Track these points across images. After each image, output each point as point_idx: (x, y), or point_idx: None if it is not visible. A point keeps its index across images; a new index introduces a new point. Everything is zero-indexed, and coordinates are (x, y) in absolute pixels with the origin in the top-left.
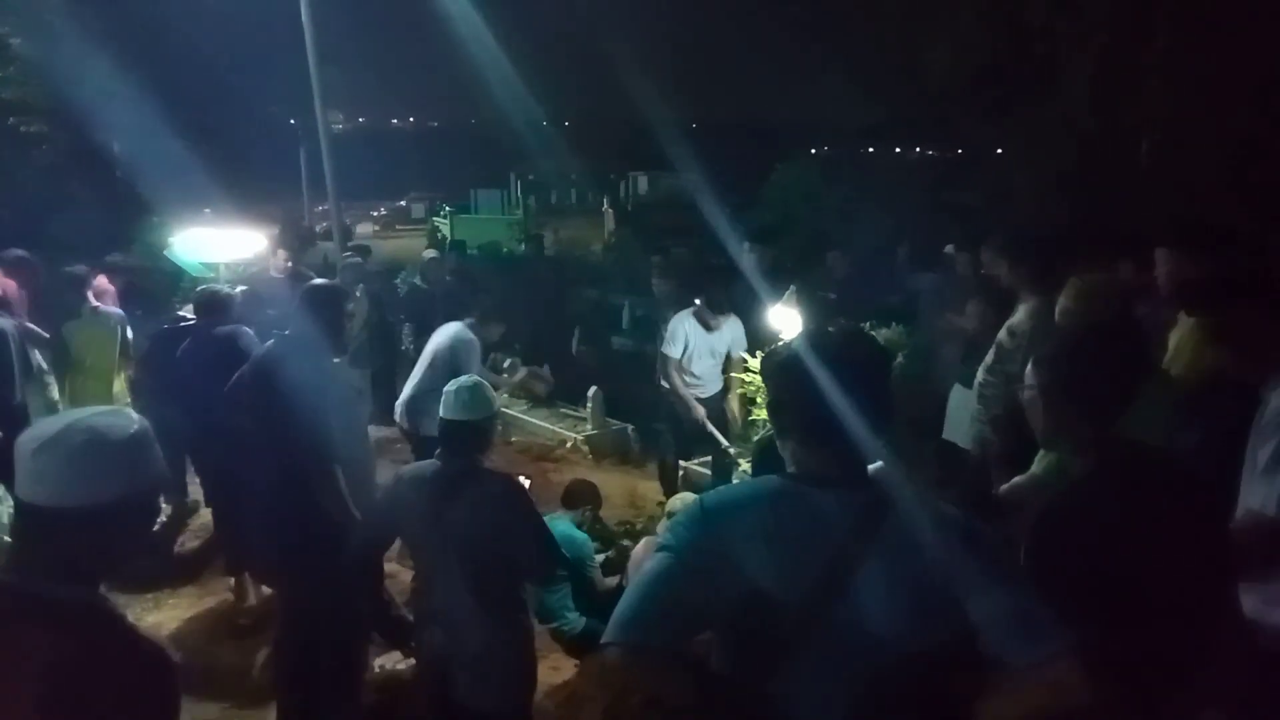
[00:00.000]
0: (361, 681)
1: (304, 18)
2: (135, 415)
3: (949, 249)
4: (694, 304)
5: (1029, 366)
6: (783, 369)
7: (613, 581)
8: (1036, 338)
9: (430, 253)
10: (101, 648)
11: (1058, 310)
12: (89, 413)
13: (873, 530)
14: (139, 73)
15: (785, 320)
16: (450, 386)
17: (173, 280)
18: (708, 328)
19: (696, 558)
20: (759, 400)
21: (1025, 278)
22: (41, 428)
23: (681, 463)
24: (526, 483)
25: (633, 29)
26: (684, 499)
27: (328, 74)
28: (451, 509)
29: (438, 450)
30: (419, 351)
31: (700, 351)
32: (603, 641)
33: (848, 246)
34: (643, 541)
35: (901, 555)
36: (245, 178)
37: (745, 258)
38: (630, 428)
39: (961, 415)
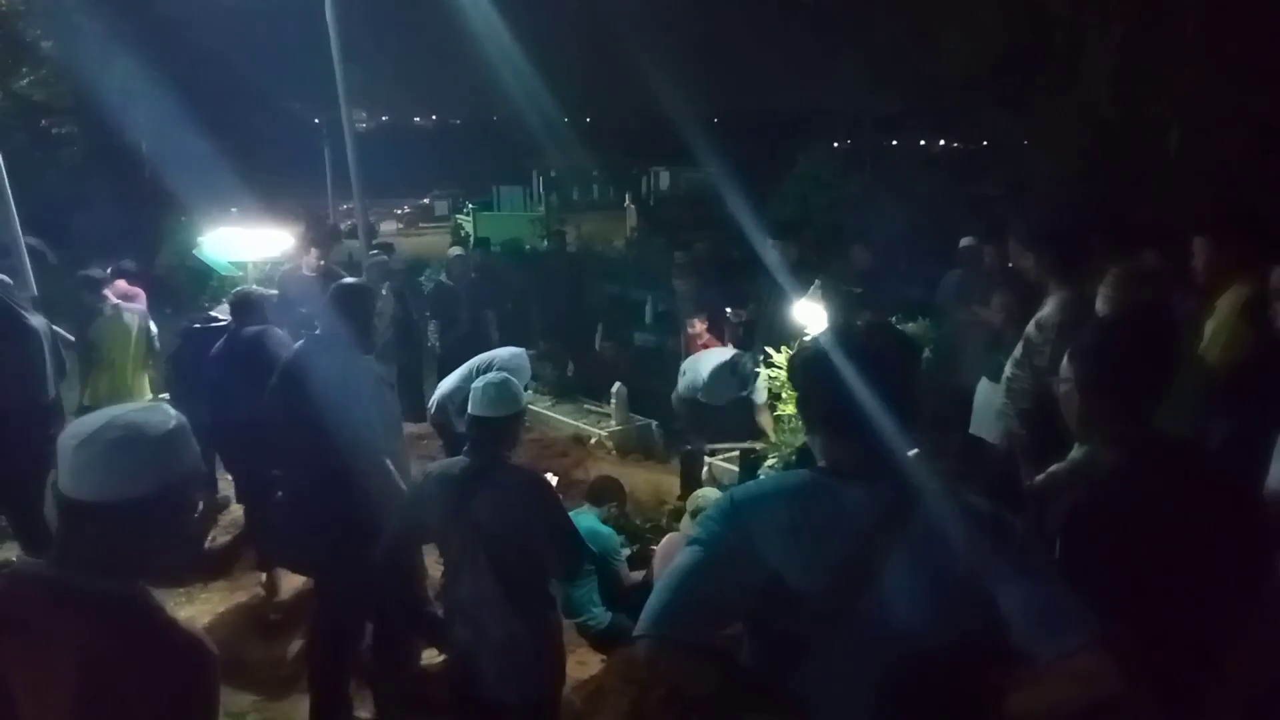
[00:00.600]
0: (398, 675)
1: (328, 15)
2: (172, 411)
3: (966, 241)
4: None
5: (1065, 359)
6: (811, 363)
7: (638, 576)
8: (1066, 330)
9: (455, 250)
10: (140, 640)
11: (1100, 299)
12: (128, 408)
13: (900, 522)
14: (163, 72)
15: (811, 314)
16: (478, 383)
17: (201, 279)
18: None
19: (726, 551)
20: (784, 395)
21: (1053, 270)
22: (82, 424)
23: (707, 458)
24: (553, 479)
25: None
26: (705, 495)
27: (350, 72)
28: (477, 504)
29: (465, 446)
30: (445, 348)
31: None
32: (634, 634)
33: (868, 239)
34: (667, 537)
35: (929, 547)
36: (270, 176)
37: (769, 253)
38: (654, 423)
39: (988, 410)
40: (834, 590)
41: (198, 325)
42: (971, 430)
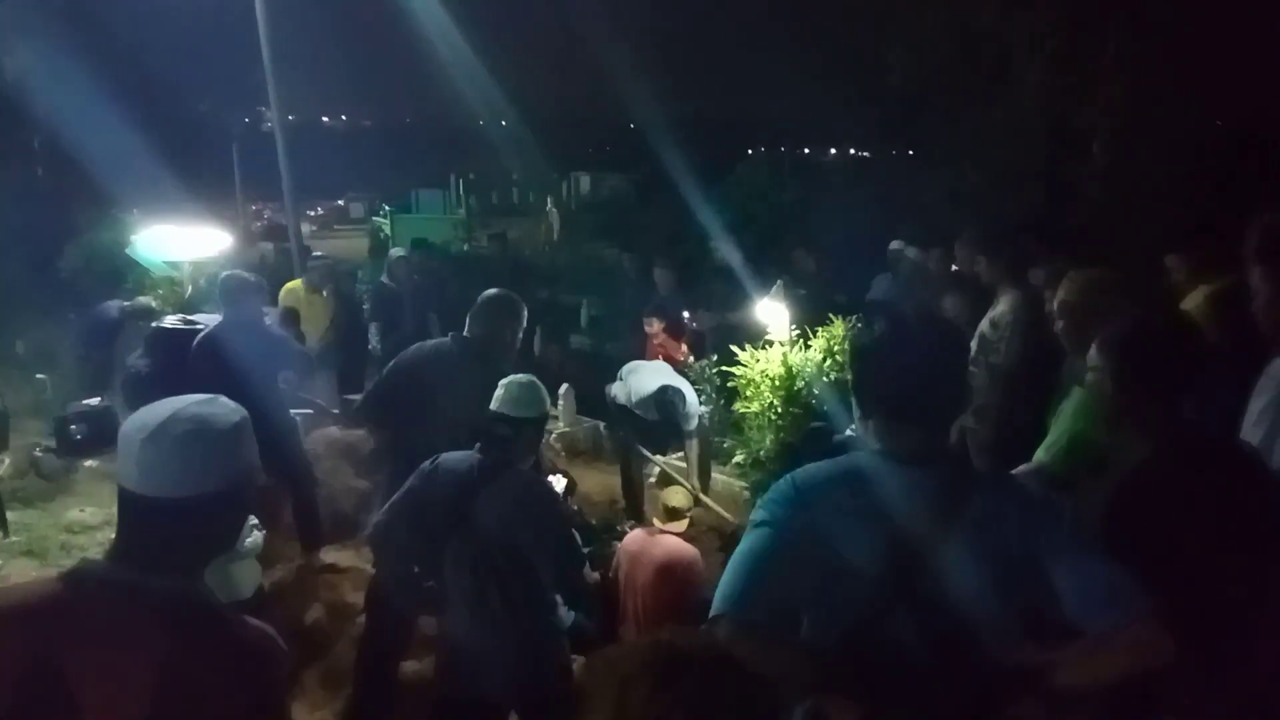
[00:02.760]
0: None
1: (259, 16)
2: (233, 404)
3: (895, 245)
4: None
5: (1093, 349)
6: (869, 351)
7: (596, 576)
8: (1020, 327)
9: (397, 251)
10: (215, 639)
11: (1057, 302)
12: (190, 400)
13: (959, 504)
14: (63, 67)
15: (773, 314)
16: (505, 380)
17: (112, 280)
18: None
19: (792, 533)
20: (748, 394)
21: (1004, 271)
22: (145, 416)
23: (659, 458)
24: (561, 482)
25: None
26: (676, 492)
27: (257, 72)
28: (479, 503)
29: (478, 444)
30: (386, 352)
31: None
32: (712, 615)
33: (808, 245)
34: (632, 534)
35: (987, 528)
36: (176, 176)
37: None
38: (601, 425)
39: None
40: (895, 571)
41: (168, 326)
42: None
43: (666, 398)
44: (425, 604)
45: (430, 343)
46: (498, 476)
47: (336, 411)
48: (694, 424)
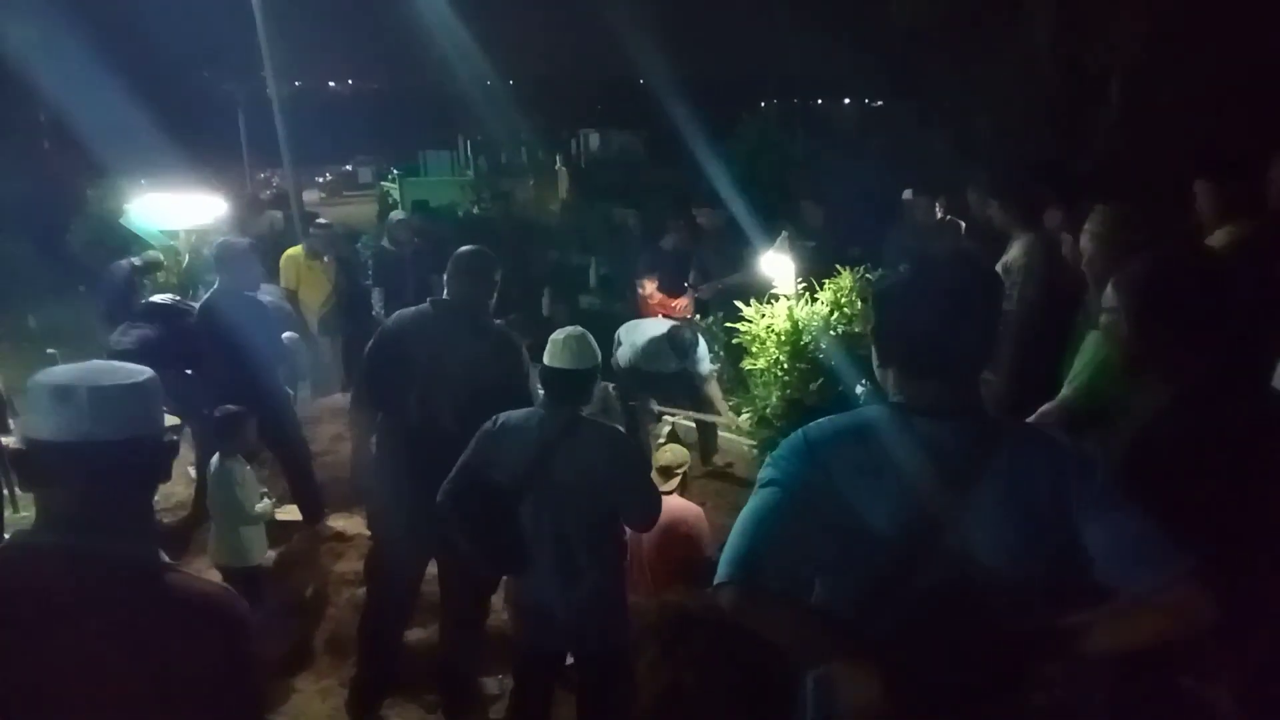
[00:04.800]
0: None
1: None
2: (140, 366)
3: (908, 194)
4: None
5: (1108, 288)
6: (892, 295)
7: None
8: (1033, 271)
9: (397, 214)
10: (177, 601)
11: (1086, 235)
12: (94, 363)
13: (984, 458)
14: (67, 40)
15: (778, 266)
16: (558, 335)
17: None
18: None
19: (804, 490)
20: (754, 350)
21: (1016, 216)
22: (53, 373)
23: (667, 418)
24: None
25: None
26: (674, 450)
27: (256, 37)
28: (560, 459)
29: (541, 398)
30: (390, 316)
31: None
32: (717, 582)
33: (818, 197)
34: None
35: (1014, 483)
36: (182, 146)
37: (709, 217)
38: (611, 385)
39: None
40: (917, 528)
41: (158, 302)
42: None
43: (679, 334)
44: (506, 564)
45: (409, 311)
46: (575, 431)
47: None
48: (707, 366)
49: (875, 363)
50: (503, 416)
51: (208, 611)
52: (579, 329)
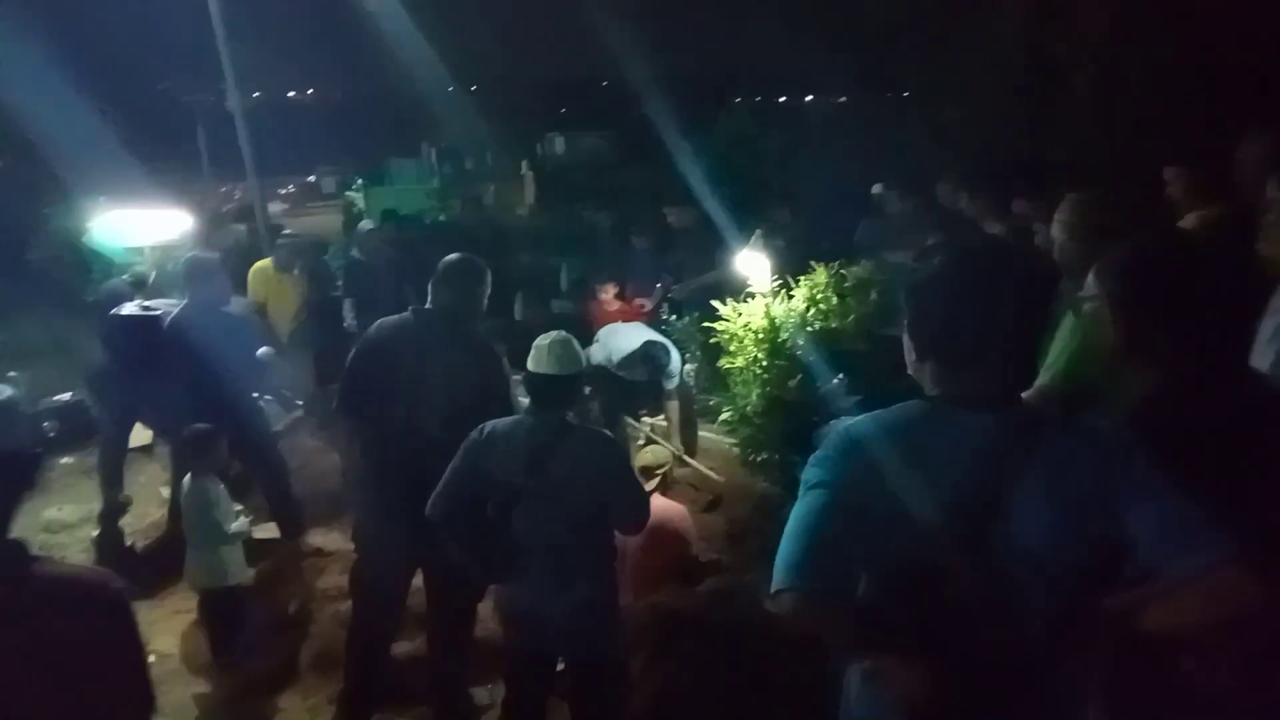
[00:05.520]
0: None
1: None
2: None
3: (877, 188)
4: None
5: (1090, 276)
6: (925, 288)
7: None
8: None
9: (367, 223)
10: (31, 580)
11: (1058, 223)
12: None
13: (1028, 449)
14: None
15: (753, 264)
16: (542, 341)
17: (85, 270)
18: None
19: (851, 490)
20: (732, 349)
21: (987, 207)
22: None
23: (641, 423)
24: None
25: None
26: (654, 451)
27: (214, 48)
28: (553, 464)
29: (526, 405)
30: (363, 328)
31: None
32: (775, 589)
33: (792, 195)
34: None
35: (1058, 472)
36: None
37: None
38: (587, 388)
39: None
40: (964, 521)
41: (126, 313)
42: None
43: (652, 352)
44: (497, 572)
45: (391, 320)
46: (564, 437)
47: (300, 403)
48: (675, 382)
49: (911, 357)
50: (489, 425)
51: (83, 592)
52: (563, 334)
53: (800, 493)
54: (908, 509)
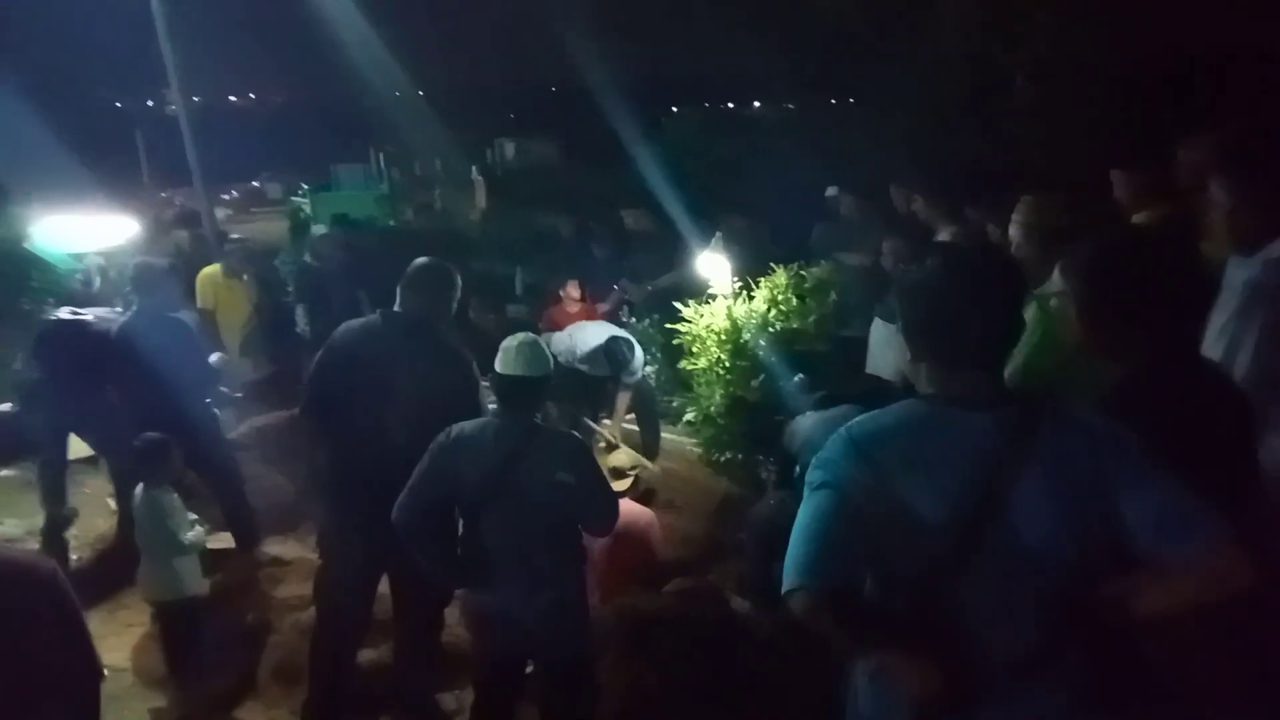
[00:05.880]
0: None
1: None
2: None
3: (831, 191)
4: None
5: (1056, 274)
6: (919, 290)
7: None
8: None
9: (319, 229)
10: None
11: (1015, 226)
12: None
13: (1028, 446)
14: None
15: (714, 266)
16: (510, 343)
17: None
18: None
19: (855, 490)
20: (694, 350)
21: (941, 211)
22: None
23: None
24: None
25: None
26: (627, 452)
27: (157, 51)
28: (521, 465)
29: (493, 407)
30: (315, 333)
31: None
32: (786, 589)
33: (740, 201)
34: None
35: (1057, 467)
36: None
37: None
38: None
39: (885, 349)
40: (967, 519)
41: (64, 318)
42: (869, 370)
43: (616, 347)
44: (466, 577)
45: (357, 322)
46: (533, 439)
47: (240, 395)
48: (636, 379)
49: (905, 359)
50: (456, 428)
51: (19, 575)
52: (531, 335)
53: (805, 494)
54: (908, 507)
